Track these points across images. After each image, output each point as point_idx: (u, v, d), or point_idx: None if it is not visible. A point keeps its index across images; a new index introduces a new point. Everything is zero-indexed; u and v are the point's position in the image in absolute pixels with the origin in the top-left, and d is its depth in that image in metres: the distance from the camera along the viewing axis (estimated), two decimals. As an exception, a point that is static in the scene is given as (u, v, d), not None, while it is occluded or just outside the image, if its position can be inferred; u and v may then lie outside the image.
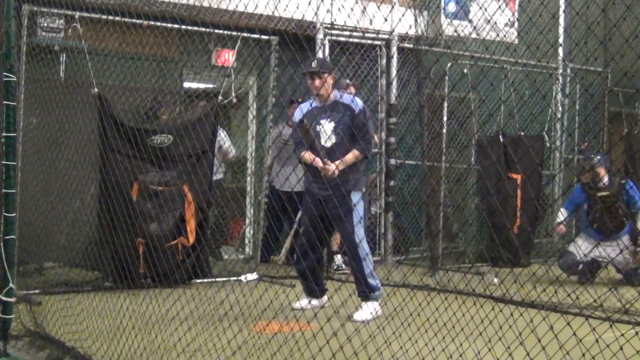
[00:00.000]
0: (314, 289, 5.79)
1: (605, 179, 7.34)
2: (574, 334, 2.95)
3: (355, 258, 5.45)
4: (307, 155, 5.60)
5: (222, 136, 8.18)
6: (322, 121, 5.60)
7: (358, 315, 5.37)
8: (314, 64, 5.64)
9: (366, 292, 5.48)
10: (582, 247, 7.21)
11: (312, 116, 5.63)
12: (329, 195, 5.40)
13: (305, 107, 5.79)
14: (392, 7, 8.56)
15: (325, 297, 5.88)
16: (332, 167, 5.46)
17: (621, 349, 2.87)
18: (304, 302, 5.82)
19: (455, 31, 8.79)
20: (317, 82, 5.60)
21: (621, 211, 7.21)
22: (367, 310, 5.40)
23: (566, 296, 5.09)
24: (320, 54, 8.25)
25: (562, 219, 7.63)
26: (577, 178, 8.03)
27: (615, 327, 3.74)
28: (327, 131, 5.60)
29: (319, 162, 5.50)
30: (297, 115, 5.75)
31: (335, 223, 5.61)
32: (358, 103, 5.67)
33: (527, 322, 3.09)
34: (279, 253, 8.25)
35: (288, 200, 7.71)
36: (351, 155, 5.54)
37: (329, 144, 5.57)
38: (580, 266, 7.24)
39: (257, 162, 8.78)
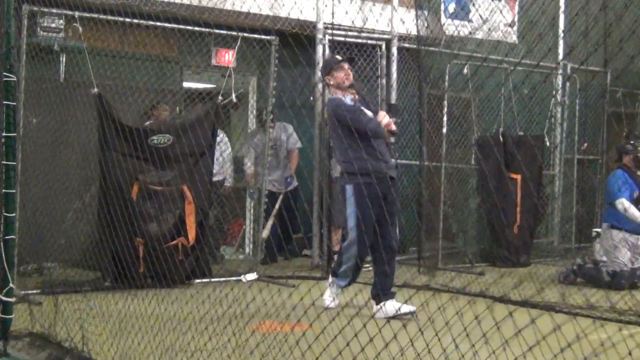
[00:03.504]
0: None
1: None
2: (582, 335, 2.94)
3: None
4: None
5: (223, 137, 8.19)
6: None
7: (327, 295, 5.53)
8: (339, 57, 5.75)
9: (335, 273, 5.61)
10: (626, 254, 6.89)
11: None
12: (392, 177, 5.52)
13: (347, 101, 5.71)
14: (392, 7, 8.55)
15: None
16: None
17: (611, 348, 2.87)
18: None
19: (455, 30, 8.78)
20: (348, 69, 5.65)
21: None
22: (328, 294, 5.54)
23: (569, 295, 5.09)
24: (320, 54, 8.26)
25: (636, 212, 6.91)
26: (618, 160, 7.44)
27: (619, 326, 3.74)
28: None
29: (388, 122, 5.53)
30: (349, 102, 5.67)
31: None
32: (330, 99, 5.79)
33: (528, 322, 3.08)
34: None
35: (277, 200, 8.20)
36: None
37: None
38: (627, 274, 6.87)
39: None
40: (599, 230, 7.57)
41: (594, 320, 3.13)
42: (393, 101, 8.68)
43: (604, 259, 7.17)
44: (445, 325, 3.26)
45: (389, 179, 5.40)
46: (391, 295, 5.43)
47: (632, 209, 6.93)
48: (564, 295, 5.78)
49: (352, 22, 7.96)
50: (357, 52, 8.49)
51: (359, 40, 8.51)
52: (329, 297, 5.52)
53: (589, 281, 7.04)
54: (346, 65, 5.62)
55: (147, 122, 7.26)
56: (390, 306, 5.27)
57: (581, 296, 5.62)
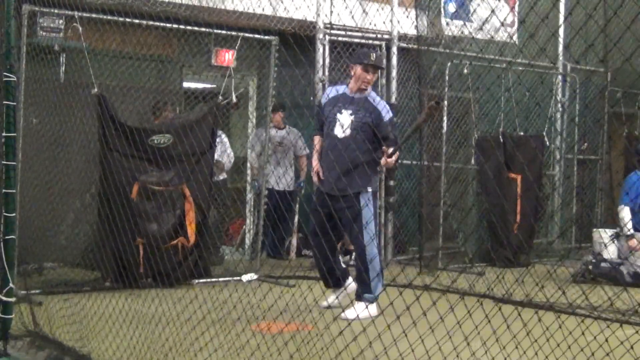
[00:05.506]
0: (332, 280, 5.70)
1: None
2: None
3: (361, 260, 5.39)
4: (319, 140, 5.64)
5: (222, 137, 8.20)
6: (344, 111, 5.54)
7: (348, 314, 5.14)
8: (373, 56, 5.53)
9: (362, 293, 5.39)
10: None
11: (336, 102, 5.56)
12: (338, 195, 5.23)
13: (332, 92, 5.70)
14: (392, 8, 8.56)
15: (349, 281, 5.75)
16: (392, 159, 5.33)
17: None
18: (330, 299, 5.69)
19: (455, 31, 8.78)
20: (371, 76, 5.56)
21: None
22: (360, 310, 5.25)
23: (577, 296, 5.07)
24: (320, 54, 8.26)
25: (627, 221, 7.05)
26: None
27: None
28: (344, 122, 5.52)
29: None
30: (324, 97, 5.75)
31: (343, 224, 5.49)
32: (383, 105, 5.64)
33: (527, 322, 3.09)
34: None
35: (281, 199, 8.35)
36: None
37: (341, 135, 5.48)
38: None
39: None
40: (616, 230, 7.56)
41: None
42: (393, 101, 8.68)
43: (619, 260, 7.18)
44: (442, 323, 3.26)
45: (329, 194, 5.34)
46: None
47: (626, 219, 7.10)
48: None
49: (355, 21, 7.95)
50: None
51: (359, 40, 8.50)
52: (366, 312, 5.08)
53: (608, 280, 7.00)
54: (371, 71, 5.54)
55: (156, 122, 7.26)
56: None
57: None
